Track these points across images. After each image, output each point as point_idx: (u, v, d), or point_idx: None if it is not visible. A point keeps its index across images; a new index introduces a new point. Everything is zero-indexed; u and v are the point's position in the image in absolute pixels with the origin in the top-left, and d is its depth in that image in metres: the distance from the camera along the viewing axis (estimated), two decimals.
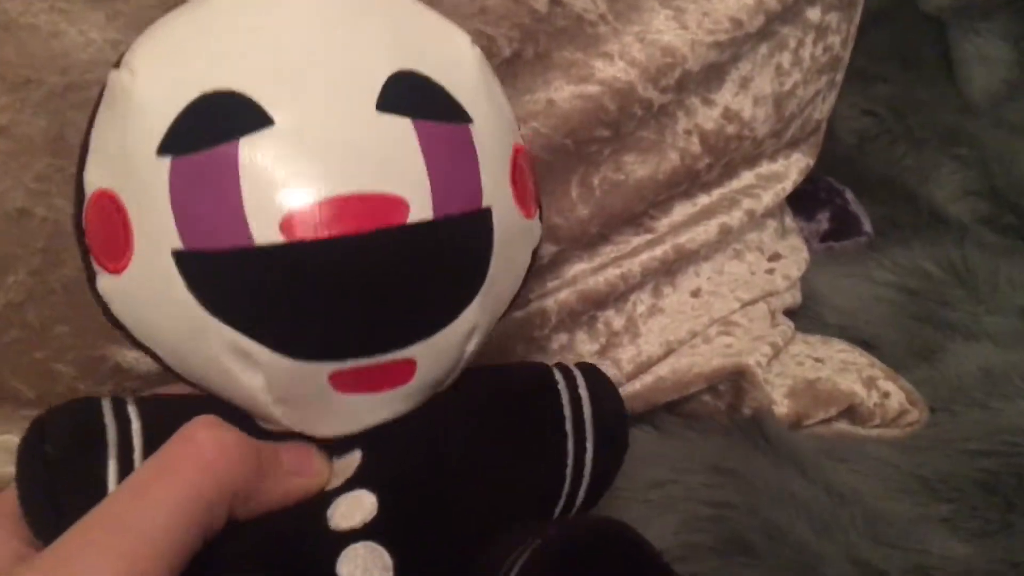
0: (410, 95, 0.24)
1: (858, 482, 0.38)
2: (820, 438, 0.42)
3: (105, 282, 0.25)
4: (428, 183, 0.24)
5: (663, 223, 0.47)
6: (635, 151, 0.43)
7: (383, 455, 0.26)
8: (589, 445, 0.29)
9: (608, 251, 0.45)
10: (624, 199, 0.44)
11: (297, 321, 0.23)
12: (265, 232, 0.22)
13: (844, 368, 0.46)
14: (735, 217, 0.48)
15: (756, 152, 0.50)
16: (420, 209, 0.23)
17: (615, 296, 0.45)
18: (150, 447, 0.25)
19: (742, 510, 0.34)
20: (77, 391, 0.37)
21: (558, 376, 0.29)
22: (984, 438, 0.40)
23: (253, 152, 0.22)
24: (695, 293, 0.47)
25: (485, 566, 0.25)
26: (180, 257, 0.23)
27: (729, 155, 0.47)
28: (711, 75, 0.44)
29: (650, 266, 0.45)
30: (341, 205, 0.22)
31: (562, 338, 0.44)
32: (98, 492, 0.24)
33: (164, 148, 0.23)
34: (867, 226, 0.64)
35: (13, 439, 0.38)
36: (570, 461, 0.29)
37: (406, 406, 0.26)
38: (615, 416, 0.30)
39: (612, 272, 0.44)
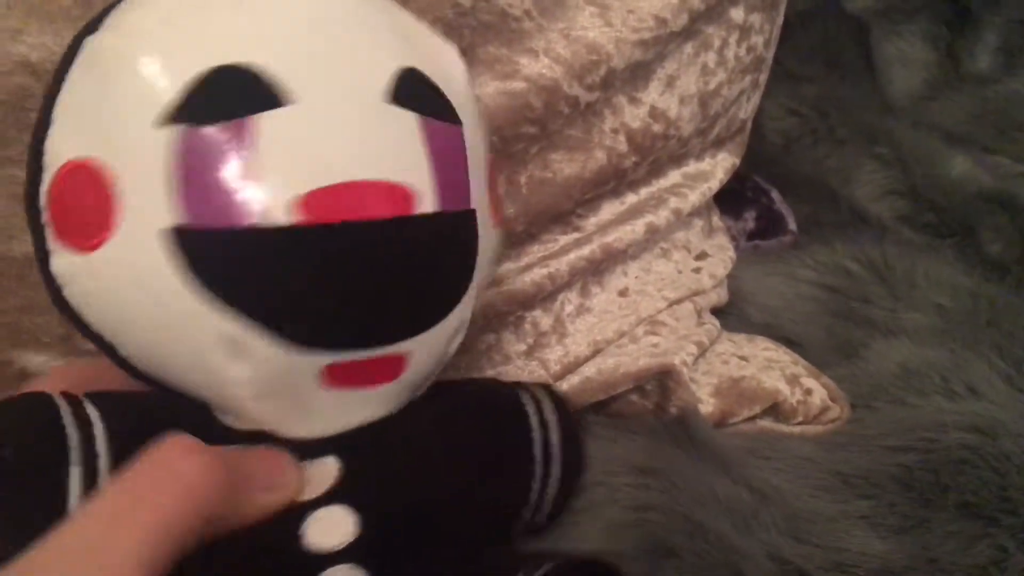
0: (415, 91, 0.25)
1: (780, 480, 0.38)
2: (744, 436, 0.42)
3: (66, 261, 0.23)
4: (432, 177, 0.24)
5: (591, 222, 0.46)
6: (562, 149, 0.43)
7: (362, 468, 0.25)
8: (555, 469, 0.29)
9: (535, 250, 0.45)
10: (551, 197, 0.43)
11: (303, 305, 0.22)
12: (278, 212, 0.21)
13: (768, 366, 0.46)
14: (662, 216, 0.48)
15: (682, 151, 0.50)
16: (426, 202, 0.24)
17: (542, 296, 0.44)
18: (117, 453, 0.23)
19: (665, 512, 0.34)
20: None
21: (525, 399, 0.30)
22: (902, 434, 0.41)
23: (269, 130, 0.22)
24: (623, 292, 0.47)
25: None
26: (177, 234, 0.21)
27: (656, 154, 0.47)
28: (637, 74, 0.44)
29: (578, 265, 0.45)
30: (356, 190, 0.22)
31: (489, 338, 0.44)
32: (57, 505, 0.22)
33: (171, 118, 0.22)
34: (792, 225, 0.65)
35: None
36: (536, 485, 0.29)
37: (387, 408, 0.26)
38: (578, 444, 0.30)
39: (539, 272, 0.44)
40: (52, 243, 0.23)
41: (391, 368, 0.25)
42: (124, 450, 0.22)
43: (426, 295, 0.25)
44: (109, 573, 0.20)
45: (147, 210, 0.22)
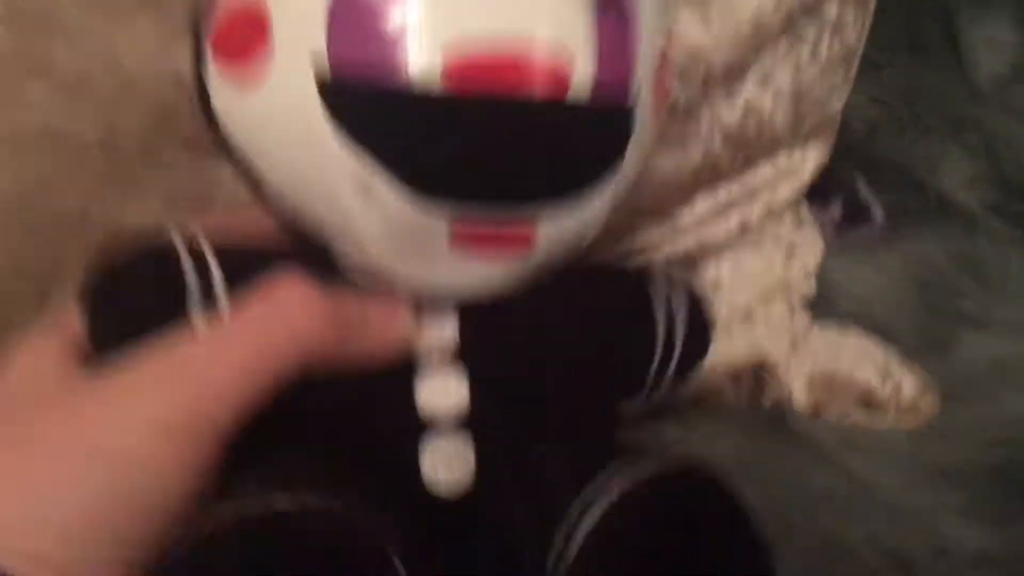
0: None
1: (875, 471, 0.39)
2: (838, 428, 0.43)
3: (227, 97, 0.24)
4: (594, 59, 0.23)
5: (685, 216, 0.48)
6: (661, 146, 0.44)
7: (479, 337, 0.25)
8: (676, 353, 0.29)
9: (633, 244, 0.46)
10: (650, 193, 0.45)
11: (433, 156, 0.22)
12: (426, 71, 0.22)
13: (860, 359, 0.47)
14: (754, 209, 0.49)
15: (774, 146, 0.51)
16: (581, 83, 0.23)
17: None
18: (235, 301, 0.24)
19: (765, 502, 0.36)
20: None
21: (653, 280, 0.30)
22: (997, 428, 0.41)
23: None
24: (715, 285, 0.49)
25: (557, 495, 0.24)
26: (326, 80, 0.22)
27: (749, 149, 0.48)
28: (734, 72, 0.45)
29: (673, 259, 0.46)
30: (509, 62, 0.22)
31: None
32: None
33: None
34: (879, 214, 0.65)
35: None
36: (653, 368, 0.29)
37: (510, 283, 0.26)
38: (704, 302, 0.30)
39: (637, 263, 0.45)
40: (215, 80, 0.25)
41: (520, 241, 0.24)
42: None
43: (563, 171, 0.24)
44: (205, 384, 0.21)
45: (303, 58, 0.22)
